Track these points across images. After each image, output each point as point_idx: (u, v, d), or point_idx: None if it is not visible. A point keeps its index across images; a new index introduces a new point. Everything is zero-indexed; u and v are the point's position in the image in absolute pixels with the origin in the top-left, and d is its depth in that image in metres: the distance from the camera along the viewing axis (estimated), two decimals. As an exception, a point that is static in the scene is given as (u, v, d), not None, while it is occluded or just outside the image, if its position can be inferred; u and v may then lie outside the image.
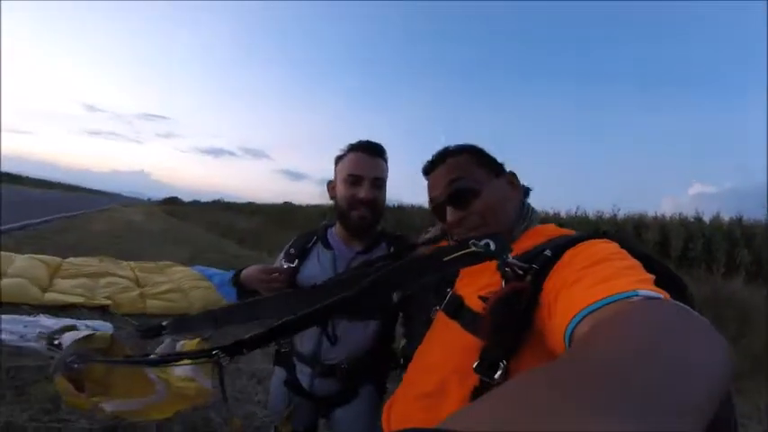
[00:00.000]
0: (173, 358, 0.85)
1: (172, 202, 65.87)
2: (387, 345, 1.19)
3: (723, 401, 0.31)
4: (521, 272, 0.62)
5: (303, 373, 1.15)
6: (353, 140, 1.18)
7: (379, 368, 1.19)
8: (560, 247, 0.63)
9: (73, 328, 0.96)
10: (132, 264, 5.49)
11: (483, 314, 0.62)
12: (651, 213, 9.38)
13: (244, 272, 1.17)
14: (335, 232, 1.23)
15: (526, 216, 0.82)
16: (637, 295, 0.45)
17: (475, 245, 0.63)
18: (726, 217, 8.37)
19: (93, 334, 0.95)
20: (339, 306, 0.68)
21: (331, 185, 1.21)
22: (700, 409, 0.25)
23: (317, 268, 1.16)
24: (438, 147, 0.90)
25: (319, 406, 1.16)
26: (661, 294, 0.45)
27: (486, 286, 0.68)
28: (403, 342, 1.20)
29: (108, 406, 0.87)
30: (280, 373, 1.21)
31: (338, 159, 1.18)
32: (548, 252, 0.63)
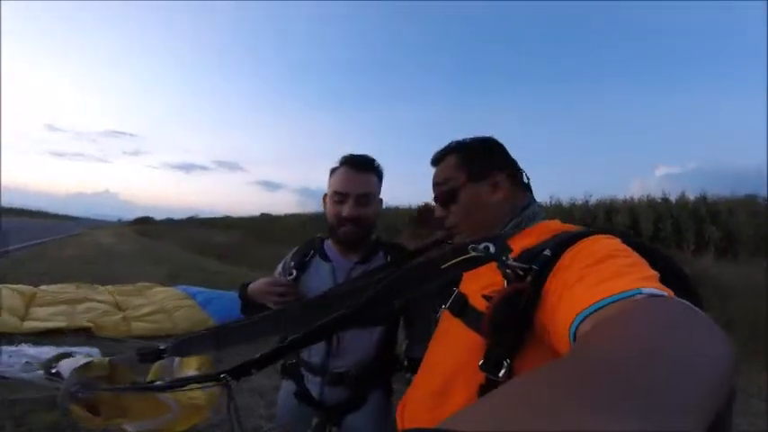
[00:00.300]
0: (179, 383, 0.85)
1: (144, 222, 64.07)
2: (391, 349, 1.21)
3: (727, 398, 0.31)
4: (521, 272, 0.62)
5: (313, 383, 1.16)
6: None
7: (386, 372, 1.21)
8: (560, 245, 0.63)
9: (68, 355, 0.93)
10: (110, 288, 5.35)
11: (485, 314, 0.62)
12: (621, 197, 9.73)
13: (251, 286, 1.18)
14: (332, 244, 1.24)
15: (521, 214, 0.82)
16: (640, 293, 0.44)
17: (474, 249, 0.63)
18: (691, 196, 8.75)
19: (91, 361, 0.93)
20: (344, 320, 0.69)
21: (324, 200, 1.24)
22: (703, 407, 0.25)
23: (316, 281, 1.18)
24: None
25: (329, 415, 1.16)
26: (665, 292, 0.45)
27: (490, 285, 0.68)
28: (405, 345, 1.23)
29: (129, 427, 0.87)
30: (288, 386, 1.22)
31: (331, 172, 1.21)
32: (547, 252, 0.63)
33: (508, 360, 0.60)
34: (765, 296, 4.21)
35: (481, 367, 0.62)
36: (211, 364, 1.06)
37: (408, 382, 1.17)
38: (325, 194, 1.23)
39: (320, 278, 1.18)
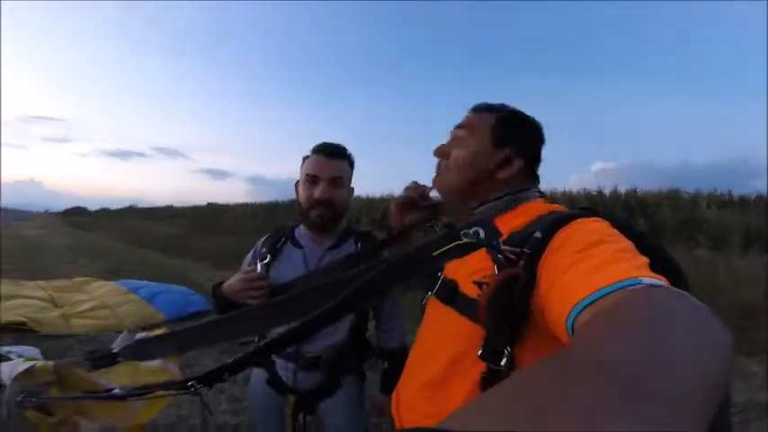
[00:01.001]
0: (142, 392, 0.77)
1: (75, 213, 59.36)
2: (362, 333, 1.23)
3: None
4: (513, 257, 0.61)
5: (285, 369, 1.16)
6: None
7: (358, 357, 1.23)
8: (549, 227, 0.62)
9: (6, 358, 0.87)
10: (42, 283, 4.96)
11: (480, 300, 0.60)
12: (560, 190, 10.37)
13: (225, 284, 1.14)
14: (302, 231, 1.26)
15: (514, 194, 0.80)
16: (640, 283, 0.44)
17: (466, 235, 0.61)
18: (623, 190, 9.49)
19: (33, 366, 0.87)
20: (327, 316, 0.64)
21: (296, 186, 1.25)
22: (703, 404, 0.24)
23: (288, 267, 1.18)
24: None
25: (303, 402, 1.16)
26: (661, 281, 0.45)
27: (479, 270, 0.68)
28: (379, 334, 1.27)
29: (92, 425, 0.83)
30: (259, 374, 1.21)
31: (304, 160, 1.23)
32: (537, 234, 0.62)
33: (509, 348, 0.60)
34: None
35: (480, 356, 0.62)
36: (175, 363, 1.04)
37: (383, 370, 1.21)
38: (297, 182, 1.25)
39: (292, 265, 1.18)
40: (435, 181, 0.86)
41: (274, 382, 1.18)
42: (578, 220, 0.62)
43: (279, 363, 1.18)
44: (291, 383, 1.16)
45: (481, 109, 0.85)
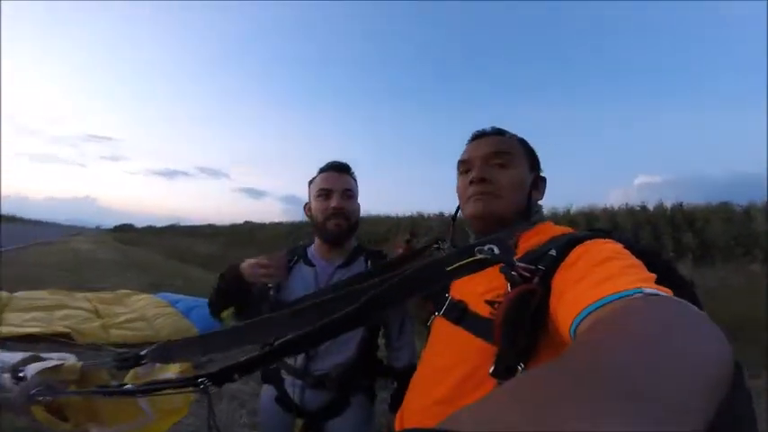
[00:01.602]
0: (152, 388, 0.77)
1: (124, 229, 62.72)
2: (372, 352, 1.22)
3: (732, 394, 0.31)
4: (527, 274, 0.61)
5: (293, 387, 1.16)
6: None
7: (368, 376, 1.22)
8: (564, 246, 0.63)
9: (38, 358, 0.90)
10: (88, 295, 5.20)
11: (493, 319, 0.61)
12: (601, 205, 9.96)
13: (243, 263, 1.14)
14: (314, 250, 1.29)
15: (535, 213, 0.84)
16: (640, 293, 0.45)
17: (480, 251, 0.61)
18: (668, 204, 9.01)
19: (61, 364, 0.90)
20: (339, 324, 0.65)
21: (307, 206, 1.30)
22: (698, 406, 0.25)
23: (300, 285, 1.20)
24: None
25: (311, 421, 1.15)
26: (663, 292, 0.45)
27: (491, 290, 0.68)
28: (387, 353, 1.26)
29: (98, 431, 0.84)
30: (269, 391, 1.21)
31: (310, 182, 1.28)
32: (553, 252, 0.63)
33: (522, 365, 0.60)
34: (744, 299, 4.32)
35: (492, 374, 0.61)
36: (191, 370, 1.04)
37: (393, 389, 1.18)
38: (306, 203, 1.30)
39: (304, 282, 1.20)
40: (482, 208, 0.82)
41: (282, 399, 1.17)
42: (592, 241, 0.64)
43: (287, 380, 1.17)
44: (299, 401, 1.15)
45: (504, 133, 0.87)
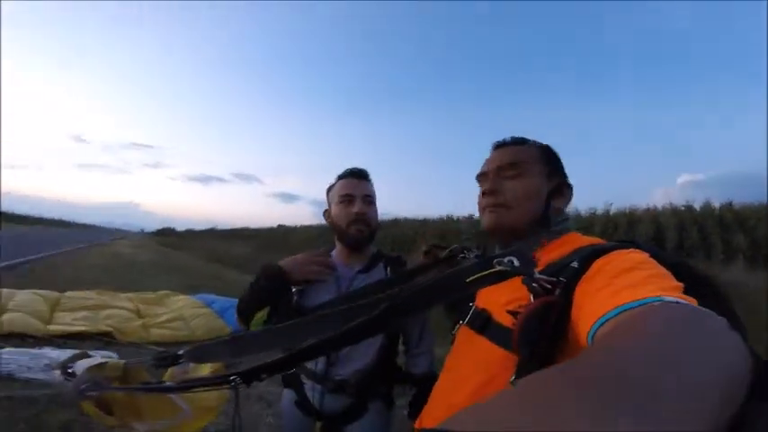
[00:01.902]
0: (188, 385, 0.85)
1: (166, 233, 65.48)
2: (392, 358, 1.22)
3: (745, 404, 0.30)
4: (548, 286, 0.62)
5: (313, 391, 1.17)
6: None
7: (387, 382, 1.22)
8: (587, 258, 0.63)
9: (85, 355, 0.97)
10: (131, 295, 5.47)
11: (514, 329, 0.61)
12: (642, 206, 9.50)
13: (286, 261, 1.19)
14: (335, 255, 1.30)
15: (558, 222, 0.83)
16: (660, 300, 0.44)
17: (500, 263, 0.62)
18: (716, 203, 8.48)
19: (106, 362, 0.96)
20: (361, 330, 0.67)
21: (327, 212, 1.32)
22: (707, 409, 0.25)
23: (322, 290, 1.20)
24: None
25: (330, 425, 1.17)
26: (685, 300, 0.45)
27: (514, 300, 0.68)
28: (406, 359, 1.26)
29: (140, 427, 0.89)
30: (289, 394, 1.23)
31: (329, 189, 1.30)
32: (575, 264, 0.63)
33: None
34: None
35: (513, 383, 0.61)
36: (223, 370, 1.06)
37: (411, 396, 1.18)
38: (325, 210, 1.32)
39: (326, 287, 1.21)
40: (493, 220, 0.83)
41: (302, 403, 1.19)
42: (616, 251, 0.63)
43: (307, 385, 1.19)
44: (318, 406, 1.16)
45: (519, 142, 0.87)
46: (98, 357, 0.94)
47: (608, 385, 0.24)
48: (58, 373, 2.19)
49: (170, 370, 1.04)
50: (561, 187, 0.84)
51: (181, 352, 0.93)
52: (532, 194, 0.81)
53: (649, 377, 0.26)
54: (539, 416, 0.21)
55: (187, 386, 0.86)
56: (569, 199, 0.86)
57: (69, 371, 0.94)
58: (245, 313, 1.14)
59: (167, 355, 0.95)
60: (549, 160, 0.85)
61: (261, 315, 1.13)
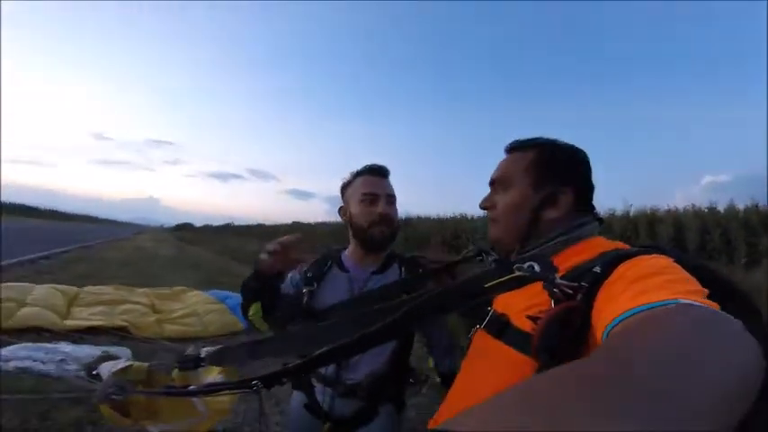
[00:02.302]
0: (213, 389, 0.87)
1: (184, 228, 66.71)
2: (404, 362, 1.20)
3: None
4: (570, 291, 0.61)
5: (323, 395, 1.15)
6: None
7: (398, 386, 1.20)
8: (610, 263, 0.61)
9: (110, 357, 1.00)
10: (147, 290, 5.58)
11: (535, 334, 0.60)
12: (664, 207, 9.25)
13: (259, 262, 1.13)
14: (349, 255, 1.26)
15: (571, 232, 0.77)
16: (675, 303, 0.44)
17: (519, 269, 0.62)
18: (741, 205, 8.19)
19: (130, 365, 0.98)
20: (378, 336, 0.67)
21: (343, 210, 1.26)
22: (716, 410, 0.25)
23: (334, 291, 1.18)
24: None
25: (339, 428, 1.14)
26: (704, 304, 0.44)
27: (534, 306, 0.67)
28: (431, 359, 1.24)
29: (154, 429, 0.90)
30: (299, 397, 1.21)
31: (346, 185, 1.24)
32: (597, 269, 0.61)
33: None
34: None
35: None
36: (235, 372, 1.07)
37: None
38: (341, 207, 1.27)
39: (338, 288, 1.19)
40: (490, 234, 0.86)
41: (312, 406, 1.17)
42: (640, 256, 0.61)
43: (318, 388, 1.16)
44: (328, 409, 1.14)
45: (515, 149, 0.85)
46: (122, 361, 0.96)
47: (613, 384, 0.24)
48: (72, 368, 2.27)
49: (182, 373, 1.04)
50: (554, 196, 0.78)
51: (203, 355, 0.97)
52: (512, 208, 0.80)
53: (656, 377, 0.25)
54: (541, 415, 0.21)
55: (211, 390, 0.87)
56: (566, 206, 0.78)
57: (94, 373, 0.96)
58: (243, 312, 1.18)
59: (189, 357, 0.99)
60: (541, 167, 0.79)
61: (255, 310, 1.14)
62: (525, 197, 0.79)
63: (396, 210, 1.22)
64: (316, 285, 1.20)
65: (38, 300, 4.07)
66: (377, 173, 1.21)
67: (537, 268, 0.61)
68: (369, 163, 1.24)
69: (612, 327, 0.47)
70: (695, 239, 7.58)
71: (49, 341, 3.12)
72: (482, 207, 0.86)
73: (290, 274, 1.28)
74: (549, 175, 0.79)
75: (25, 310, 3.69)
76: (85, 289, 5.09)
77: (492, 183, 0.85)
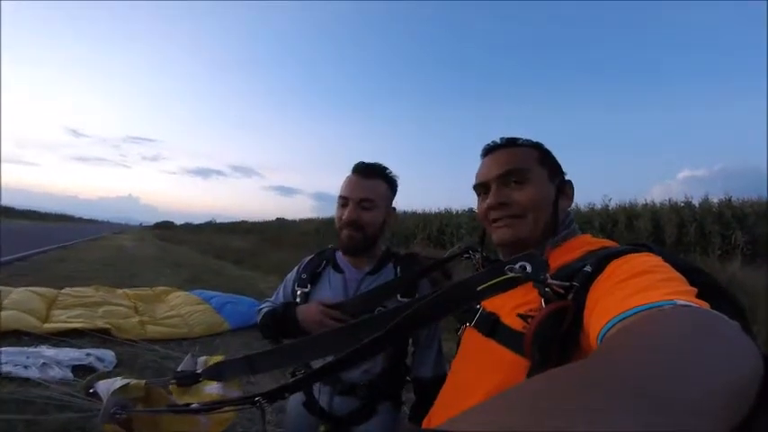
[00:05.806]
0: (215, 406, 0.87)
1: (164, 227, 65.44)
2: (402, 360, 1.20)
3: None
4: (561, 291, 0.61)
5: (322, 393, 1.15)
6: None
7: (396, 384, 1.20)
8: (600, 261, 0.62)
9: (104, 376, 0.99)
10: (128, 291, 5.47)
11: (526, 333, 0.61)
12: (641, 202, 9.48)
13: (301, 310, 1.12)
14: (343, 255, 1.25)
15: (568, 226, 0.80)
16: (672, 304, 0.44)
17: (511, 269, 0.61)
18: (715, 199, 8.45)
19: (128, 384, 0.97)
20: (376, 344, 0.67)
21: None
22: (714, 410, 0.25)
23: (329, 292, 1.18)
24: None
25: (337, 426, 1.15)
26: (697, 304, 0.45)
27: (524, 304, 0.68)
28: (413, 361, 1.23)
29: None
30: (297, 396, 1.21)
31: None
32: (588, 268, 0.62)
33: None
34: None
35: None
36: (238, 384, 1.08)
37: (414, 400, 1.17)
38: None
39: (332, 289, 1.19)
40: (510, 234, 0.79)
41: (310, 405, 1.17)
42: (629, 255, 0.62)
43: (316, 386, 1.16)
44: (327, 407, 1.14)
45: (516, 143, 0.84)
46: (119, 379, 0.96)
47: (614, 387, 0.24)
48: (56, 372, 2.20)
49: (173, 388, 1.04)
50: (564, 187, 0.82)
51: (200, 370, 0.99)
52: (542, 201, 0.78)
53: (657, 379, 0.25)
54: (539, 417, 0.21)
55: (215, 407, 0.87)
56: (572, 196, 0.84)
57: (91, 391, 0.96)
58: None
59: (187, 373, 1.00)
60: (547, 160, 0.82)
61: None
62: (548, 190, 0.79)
63: (373, 215, 1.16)
64: (310, 287, 1.20)
65: (16, 303, 3.96)
66: (359, 173, 1.18)
67: (529, 268, 0.60)
68: (358, 160, 1.21)
69: (608, 328, 0.47)
70: (672, 233, 7.80)
71: (29, 345, 3.06)
72: (497, 204, 0.80)
73: (287, 276, 1.29)
74: (556, 167, 0.82)
75: (3, 314, 3.59)
76: (64, 291, 4.97)
77: (499, 177, 0.80)
